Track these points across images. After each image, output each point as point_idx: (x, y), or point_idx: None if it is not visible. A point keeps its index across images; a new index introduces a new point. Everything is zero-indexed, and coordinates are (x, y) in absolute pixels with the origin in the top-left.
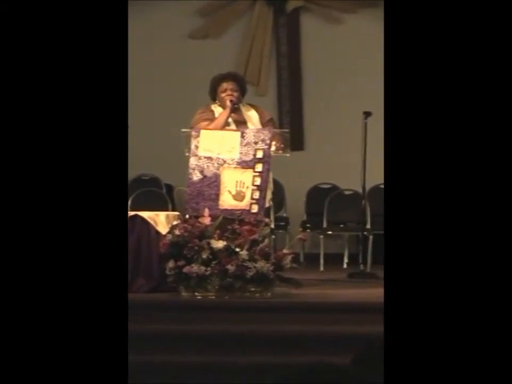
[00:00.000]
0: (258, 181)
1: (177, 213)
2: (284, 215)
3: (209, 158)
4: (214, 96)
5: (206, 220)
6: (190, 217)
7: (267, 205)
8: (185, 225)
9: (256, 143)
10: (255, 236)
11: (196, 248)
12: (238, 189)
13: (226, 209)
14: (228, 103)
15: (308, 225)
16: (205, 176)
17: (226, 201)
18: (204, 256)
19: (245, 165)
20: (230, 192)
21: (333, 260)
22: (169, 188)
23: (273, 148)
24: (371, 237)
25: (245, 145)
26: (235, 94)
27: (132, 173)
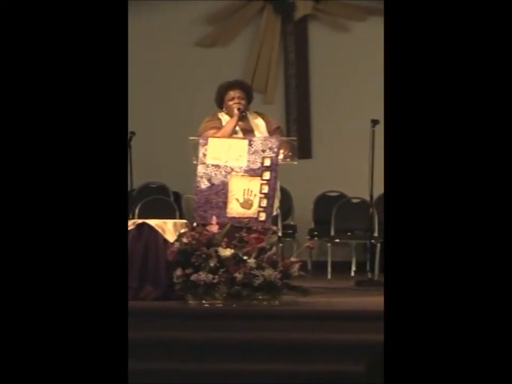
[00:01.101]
0: (266, 189)
1: (184, 220)
2: (292, 223)
3: (217, 166)
4: (220, 104)
5: (214, 228)
6: (197, 225)
7: (275, 212)
8: (193, 233)
9: (263, 151)
10: (263, 244)
11: (204, 256)
12: (245, 197)
13: (234, 217)
14: (236, 111)
15: (316, 233)
16: (212, 184)
17: (234, 209)
18: (212, 264)
19: (252, 173)
20: (237, 200)
21: (341, 267)
22: (177, 196)
23: (281, 156)
24: (378, 245)
25: (253, 153)
26: (242, 102)
27: (140, 181)
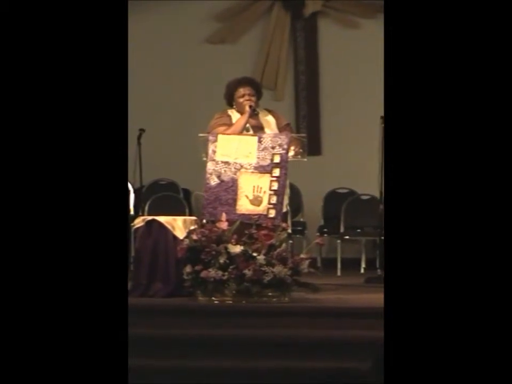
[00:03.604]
0: (275, 186)
1: (194, 217)
2: (301, 219)
3: (227, 163)
4: (230, 101)
5: (223, 225)
6: (207, 222)
7: (284, 209)
8: (203, 230)
9: (273, 147)
10: (272, 241)
11: (213, 252)
12: (255, 194)
13: (243, 214)
14: (247, 109)
15: (325, 229)
16: (222, 181)
17: (244, 206)
18: (221, 260)
19: (262, 169)
20: (247, 197)
21: (350, 264)
22: (187, 193)
23: (291, 153)
24: None
25: (262, 150)
26: (253, 99)
27: (149, 178)
